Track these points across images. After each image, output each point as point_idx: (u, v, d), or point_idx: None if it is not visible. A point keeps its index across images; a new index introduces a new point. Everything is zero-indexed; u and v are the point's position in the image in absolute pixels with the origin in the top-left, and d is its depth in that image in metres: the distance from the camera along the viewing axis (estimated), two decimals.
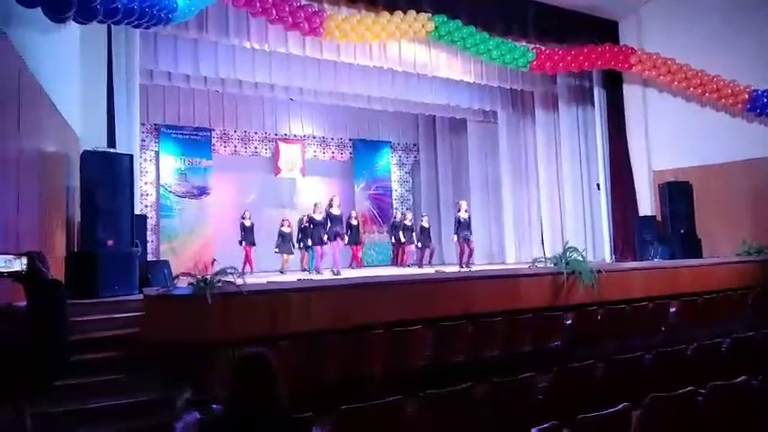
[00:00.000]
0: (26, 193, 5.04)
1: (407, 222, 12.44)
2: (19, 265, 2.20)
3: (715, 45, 10.34)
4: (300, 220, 11.44)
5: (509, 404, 3.68)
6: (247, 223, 11.58)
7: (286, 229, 11.52)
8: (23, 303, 2.35)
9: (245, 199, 12.82)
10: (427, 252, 12.34)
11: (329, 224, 10.75)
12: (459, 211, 11.58)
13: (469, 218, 11.70)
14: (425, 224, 12.40)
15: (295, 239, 11.47)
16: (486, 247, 13.58)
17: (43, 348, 2.10)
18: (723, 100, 10.05)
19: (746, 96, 9.76)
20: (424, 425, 3.41)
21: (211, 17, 8.44)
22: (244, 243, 11.40)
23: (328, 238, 10.68)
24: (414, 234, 12.38)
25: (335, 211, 10.90)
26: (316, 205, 11.00)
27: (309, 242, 10.96)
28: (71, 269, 5.95)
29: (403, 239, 12.34)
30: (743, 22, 10.06)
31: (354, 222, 12.33)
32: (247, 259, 11.29)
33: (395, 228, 12.71)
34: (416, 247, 12.42)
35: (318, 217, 10.76)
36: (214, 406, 2.24)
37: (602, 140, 11.80)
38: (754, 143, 10.00)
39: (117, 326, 5.34)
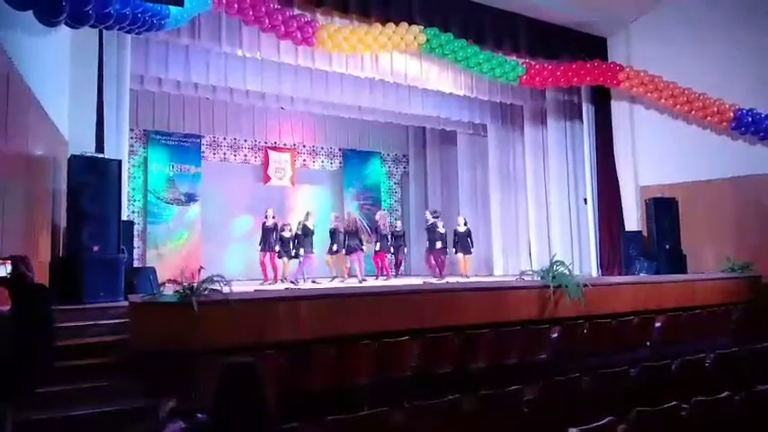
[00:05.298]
0: (11, 197, 4.98)
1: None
2: (3, 269, 2.18)
3: (702, 63, 10.52)
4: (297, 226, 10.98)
5: (495, 416, 3.68)
6: (269, 223, 10.37)
7: (287, 234, 10.67)
8: (7, 308, 2.32)
9: (237, 206, 12.74)
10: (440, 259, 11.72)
11: (305, 237, 10.49)
12: (457, 224, 11.68)
13: (468, 231, 11.71)
14: (441, 230, 11.72)
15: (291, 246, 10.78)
16: (474, 258, 13.58)
17: (27, 353, 2.07)
18: (709, 118, 10.20)
19: (732, 115, 9.91)
20: None
21: (204, 24, 8.42)
22: (261, 249, 10.33)
23: (305, 252, 10.43)
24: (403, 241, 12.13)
25: (309, 224, 10.66)
26: (308, 214, 10.90)
27: (295, 252, 10.46)
28: (56, 274, 5.89)
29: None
30: (730, 40, 10.24)
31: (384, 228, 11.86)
32: (272, 267, 10.31)
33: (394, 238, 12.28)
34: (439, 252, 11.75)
35: (310, 226, 10.60)
36: (199, 415, 2.23)
37: (590, 155, 11.92)
38: (738, 161, 10.14)
39: (102, 332, 5.30)
